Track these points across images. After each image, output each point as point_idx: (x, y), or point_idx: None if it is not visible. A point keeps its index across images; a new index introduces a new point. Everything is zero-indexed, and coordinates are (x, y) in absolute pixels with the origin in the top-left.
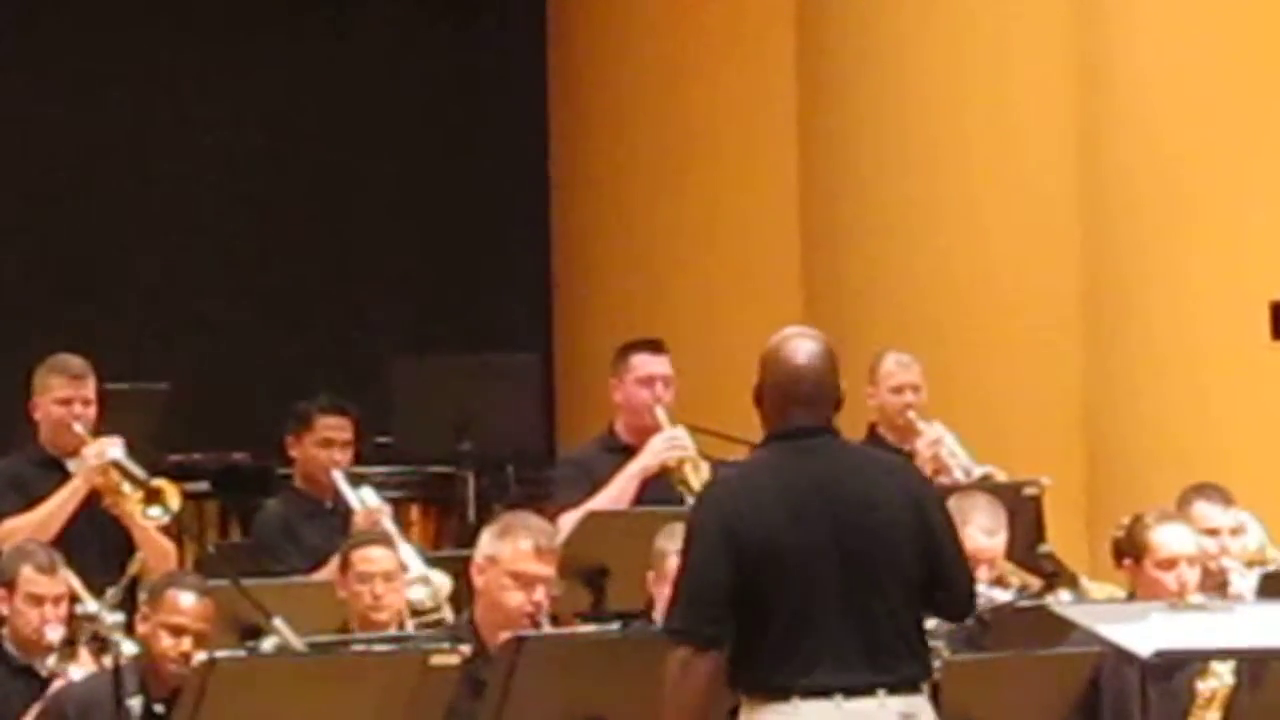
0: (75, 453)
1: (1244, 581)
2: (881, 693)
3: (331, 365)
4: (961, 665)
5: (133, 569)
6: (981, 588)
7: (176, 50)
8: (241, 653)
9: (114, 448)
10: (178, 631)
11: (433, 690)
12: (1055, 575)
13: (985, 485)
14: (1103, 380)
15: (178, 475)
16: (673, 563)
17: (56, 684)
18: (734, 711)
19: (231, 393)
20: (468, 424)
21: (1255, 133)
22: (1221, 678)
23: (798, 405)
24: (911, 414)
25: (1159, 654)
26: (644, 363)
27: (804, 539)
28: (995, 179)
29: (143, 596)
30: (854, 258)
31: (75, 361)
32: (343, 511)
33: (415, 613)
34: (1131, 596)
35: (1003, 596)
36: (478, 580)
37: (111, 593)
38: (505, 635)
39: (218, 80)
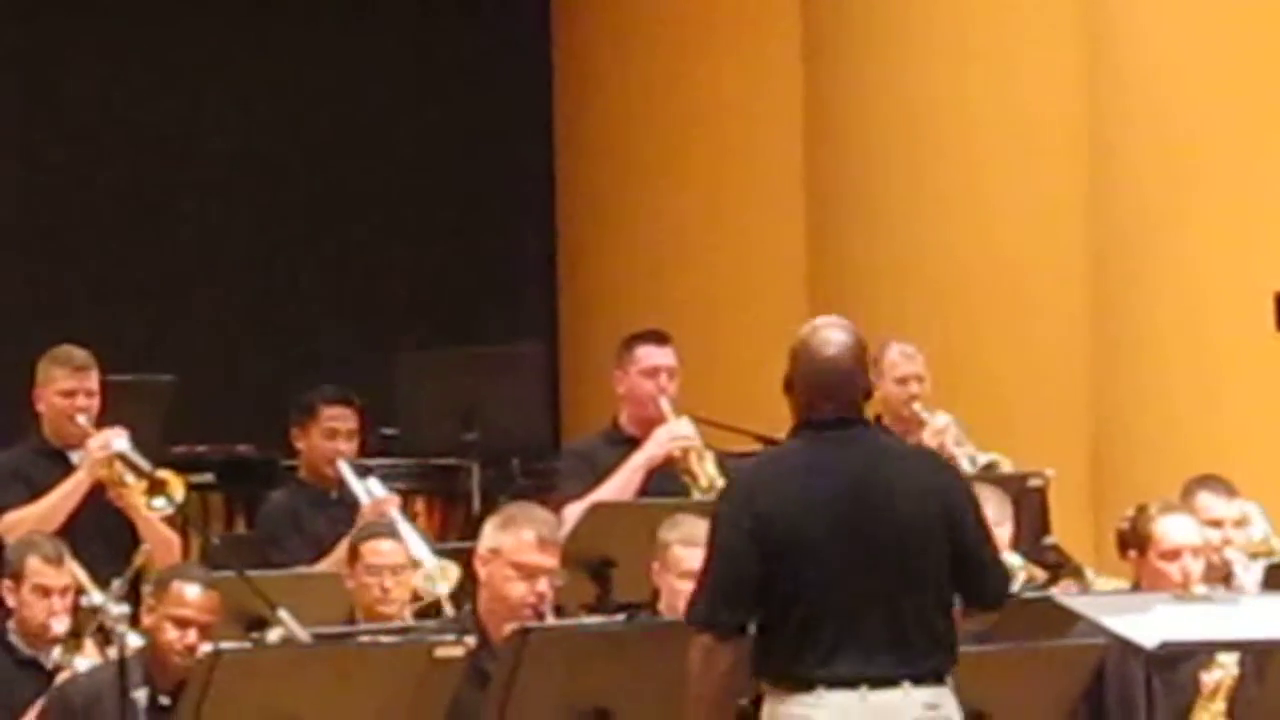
0: (79, 444)
1: (1248, 573)
2: (906, 684)
3: (336, 357)
4: (966, 657)
5: (138, 561)
6: None
7: (176, 47)
8: (247, 644)
9: (118, 439)
10: (183, 623)
11: (438, 682)
12: (1060, 567)
13: (990, 476)
14: (1108, 372)
15: (182, 467)
16: (676, 553)
17: (62, 676)
18: (757, 701)
19: (236, 384)
20: (473, 416)
21: (1263, 124)
22: (1226, 669)
23: (826, 396)
24: (916, 405)
25: (1164, 645)
26: (648, 354)
27: (830, 529)
28: (1002, 168)
29: (148, 588)
30: (859, 249)
31: (79, 353)
32: (348, 502)
33: (416, 597)
34: (1136, 588)
35: None
36: (481, 572)
37: (117, 585)
38: (509, 627)
39: (219, 74)
